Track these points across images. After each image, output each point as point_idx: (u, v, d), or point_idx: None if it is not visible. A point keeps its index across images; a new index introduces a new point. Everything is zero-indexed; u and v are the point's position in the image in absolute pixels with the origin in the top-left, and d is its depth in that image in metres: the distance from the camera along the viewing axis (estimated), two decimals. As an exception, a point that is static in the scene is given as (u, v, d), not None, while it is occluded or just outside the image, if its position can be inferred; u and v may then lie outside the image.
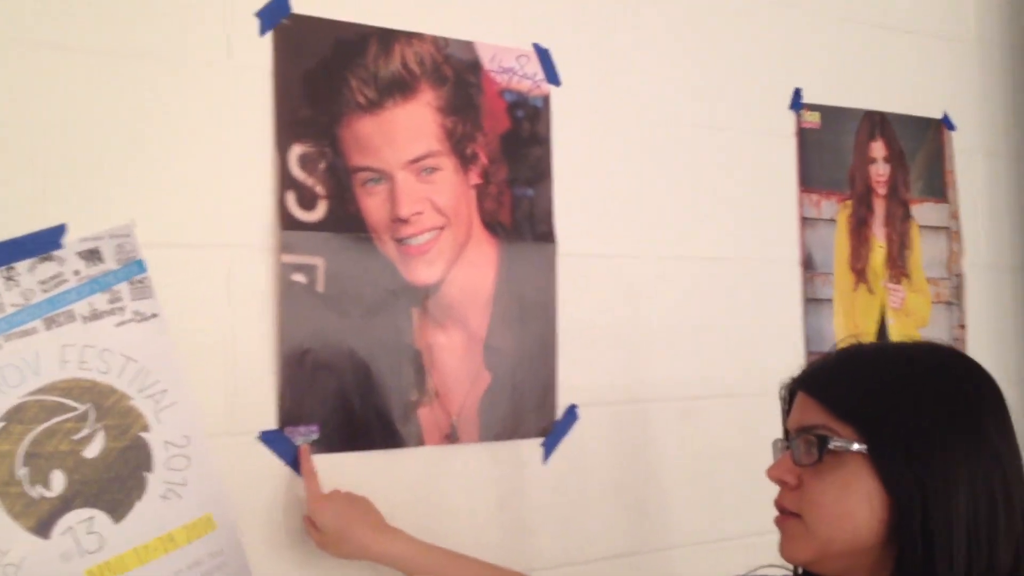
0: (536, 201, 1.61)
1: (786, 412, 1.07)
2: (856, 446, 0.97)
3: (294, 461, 1.37)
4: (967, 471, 0.95)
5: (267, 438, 1.36)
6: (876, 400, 0.99)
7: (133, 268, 1.27)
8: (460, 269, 1.53)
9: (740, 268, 1.85)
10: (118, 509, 1.24)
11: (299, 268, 1.39)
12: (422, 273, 1.50)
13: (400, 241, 1.48)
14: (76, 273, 1.23)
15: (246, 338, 1.35)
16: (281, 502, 1.37)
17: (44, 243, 1.21)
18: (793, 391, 1.06)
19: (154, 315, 1.28)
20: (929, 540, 0.93)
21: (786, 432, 1.06)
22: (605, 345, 1.67)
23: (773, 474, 1.03)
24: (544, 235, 1.61)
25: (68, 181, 1.24)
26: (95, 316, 1.24)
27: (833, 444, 0.97)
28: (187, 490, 1.29)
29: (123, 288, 1.26)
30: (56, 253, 1.22)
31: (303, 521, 1.36)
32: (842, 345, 1.09)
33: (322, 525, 1.32)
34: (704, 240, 1.80)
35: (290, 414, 1.38)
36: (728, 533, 1.80)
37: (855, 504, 0.97)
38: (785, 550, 1.03)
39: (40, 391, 1.20)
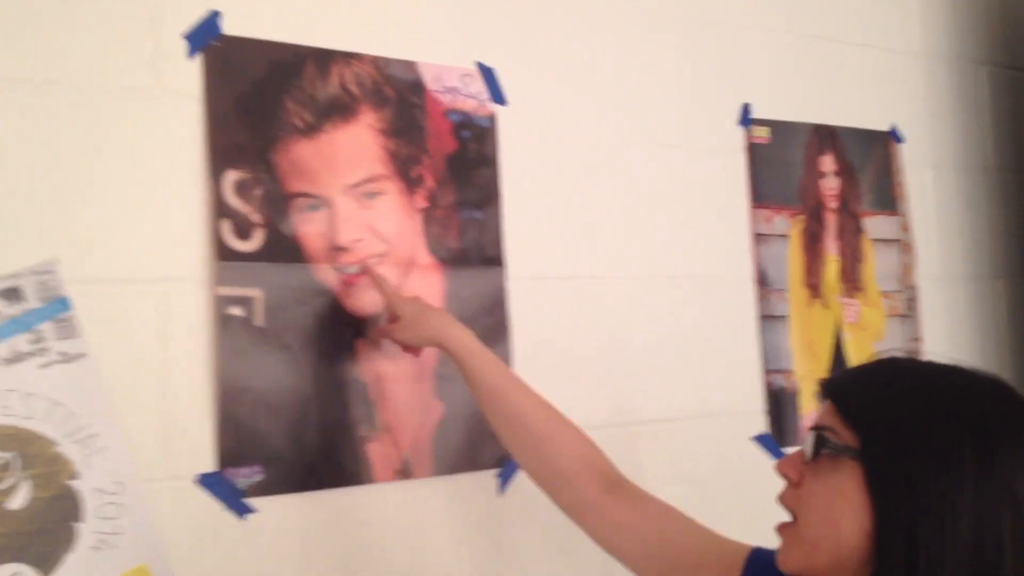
0: (484, 224, 1.56)
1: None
2: (850, 451, 0.93)
3: (235, 504, 1.30)
4: (971, 503, 0.88)
5: (206, 481, 1.29)
6: (881, 408, 0.94)
7: (57, 306, 1.19)
8: (406, 296, 1.47)
9: (694, 286, 1.81)
10: (46, 563, 1.16)
11: (236, 301, 1.32)
12: (364, 302, 1.44)
13: (340, 269, 1.41)
14: (-5, 313, 1.15)
15: (181, 376, 1.28)
16: (222, 549, 1.30)
17: (-42, 283, 1.13)
18: (823, 390, 1.03)
19: (81, 355, 1.20)
20: (913, 568, 0.87)
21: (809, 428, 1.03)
22: (560, 369, 1.62)
23: (779, 468, 1.00)
24: (493, 259, 1.56)
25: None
26: (17, 358, 1.16)
27: (829, 445, 0.94)
28: (120, 539, 1.21)
29: (47, 327, 1.18)
30: (-28, 293, 1.14)
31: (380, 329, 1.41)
32: (882, 356, 1.04)
33: (402, 311, 1.35)
34: (657, 259, 1.77)
35: (230, 455, 1.30)
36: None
37: (842, 512, 0.92)
38: (779, 557, 0.99)
39: (-42, 441, 1.12)
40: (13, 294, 1.17)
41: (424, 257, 1.50)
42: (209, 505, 1.29)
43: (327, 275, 1.40)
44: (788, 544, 0.98)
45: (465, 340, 1.33)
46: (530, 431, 1.29)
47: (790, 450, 1.88)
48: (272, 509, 1.32)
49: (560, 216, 1.65)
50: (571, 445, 1.29)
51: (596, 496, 1.26)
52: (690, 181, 1.82)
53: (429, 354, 1.48)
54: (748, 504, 1.81)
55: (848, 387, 1.00)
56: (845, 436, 0.94)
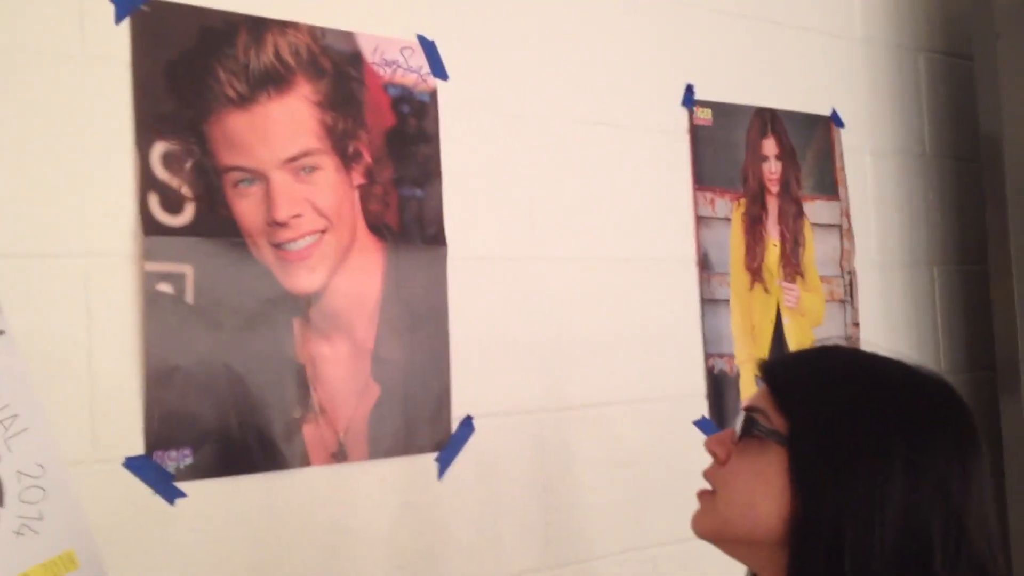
0: (425, 202, 1.52)
1: None
2: (777, 435, 0.93)
3: (164, 489, 1.25)
4: (901, 498, 0.88)
5: (133, 464, 1.24)
6: (815, 396, 0.94)
7: (-27, 280, 1.13)
8: (344, 275, 1.43)
9: (636, 268, 1.80)
10: (-39, 551, 1.11)
11: (165, 277, 1.27)
12: (303, 280, 1.40)
13: (278, 246, 1.37)
14: (-95, 287, 1.09)
15: (107, 355, 1.23)
16: (152, 534, 1.25)
17: None
18: (760, 372, 1.03)
19: (1, 332, 1.15)
20: (838, 558, 0.87)
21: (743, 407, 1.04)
22: (501, 352, 1.60)
23: (708, 444, 1.01)
24: (434, 238, 1.53)
25: None
26: (-71, 335, 1.10)
27: (758, 428, 0.94)
28: (44, 524, 1.16)
29: (-38, 303, 1.12)
30: None
31: None
32: (826, 343, 1.06)
33: None
34: (599, 240, 1.75)
35: (159, 437, 1.26)
36: (644, 541, 1.75)
37: (760, 492, 0.93)
38: (693, 521, 1.01)
39: None
40: (-74, 267, 1.11)
41: (364, 235, 1.46)
42: (138, 489, 1.24)
43: (264, 252, 1.36)
44: (702, 511, 1.00)
45: None
46: None
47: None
48: (203, 493, 1.28)
49: (501, 195, 1.63)
50: None
51: None
52: (633, 161, 1.81)
53: (366, 336, 1.45)
54: (687, 487, 1.80)
55: (784, 372, 1.00)
56: (775, 420, 0.94)
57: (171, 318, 1.28)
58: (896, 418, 0.91)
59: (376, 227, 1.47)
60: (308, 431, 1.39)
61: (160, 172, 1.28)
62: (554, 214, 1.69)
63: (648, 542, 1.76)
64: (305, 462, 1.38)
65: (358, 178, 1.45)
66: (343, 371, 1.43)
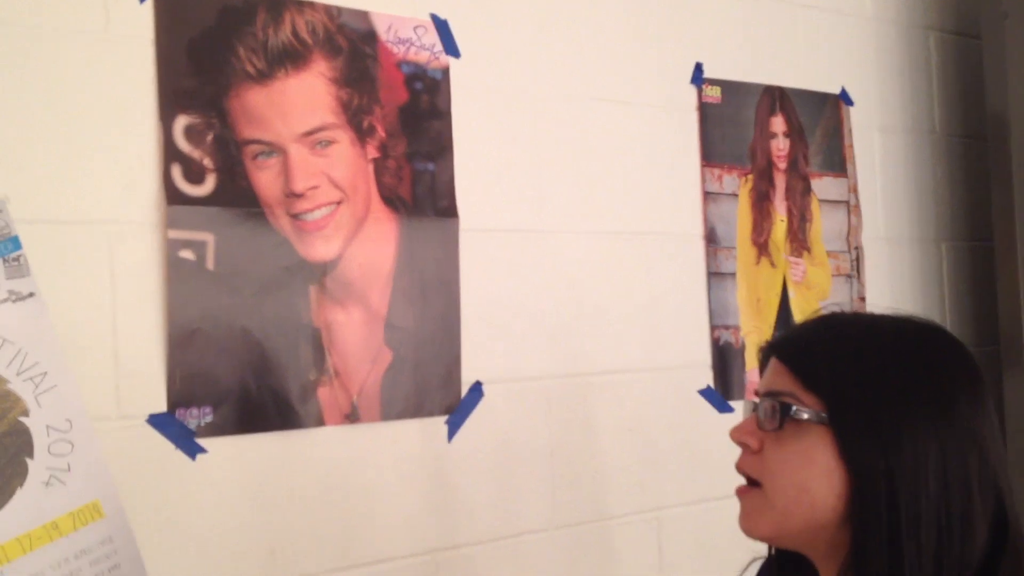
0: (437, 175, 1.58)
1: (762, 374, 1.04)
2: (818, 417, 0.93)
3: (185, 445, 1.32)
4: (939, 450, 0.90)
5: (156, 421, 1.31)
6: (843, 371, 0.94)
7: (7, 245, 1.20)
8: (358, 245, 1.49)
9: (644, 242, 1.84)
10: (-3, 498, 1.18)
11: (187, 244, 1.34)
12: (319, 249, 1.46)
13: (295, 216, 1.43)
14: (-56, 251, 1.16)
15: (131, 317, 1.30)
16: (173, 487, 1.32)
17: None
18: (768, 354, 1.03)
19: (31, 294, 1.22)
20: (895, 525, 0.89)
21: (756, 394, 1.02)
22: (511, 321, 1.66)
23: (736, 436, 1.00)
24: (446, 210, 1.59)
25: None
26: (-34, 296, 1.17)
27: (795, 413, 0.94)
28: (71, 476, 1.23)
29: (-4, 266, 1.19)
30: (-80, 230, 1.15)
31: None
32: (822, 313, 1.05)
33: None
34: (607, 215, 1.80)
35: (181, 396, 1.33)
36: (650, 504, 1.81)
37: (814, 478, 0.93)
38: (745, 524, 0.99)
39: (-94, 376, 1.13)
40: (-37, 232, 1.18)
41: (378, 206, 1.52)
42: (160, 444, 1.31)
43: (281, 222, 1.42)
44: (755, 510, 0.98)
45: None
46: None
47: (735, 404, 1.93)
48: (222, 449, 1.35)
49: (512, 170, 1.68)
50: None
51: None
52: (642, 138, 1.85)
53: (380, 303, 1.51)
54: (692, 453, 1.86)
55: (800, 350, 0.99)
56: (809, 402, 0.94)
57: (192, 283, 1.34)
58: (919, 375, 0.93)
59: (390, 199, 1.53)
60: (323, 393, 1.45)
61: (182, 144, 1.34)
62: (563, 189, 1.74)
63: (654, 504, 1.82)
64: (320, 422, 1.45)
65: (372, 152, 1.51)
66: (357, 336, 1.49)
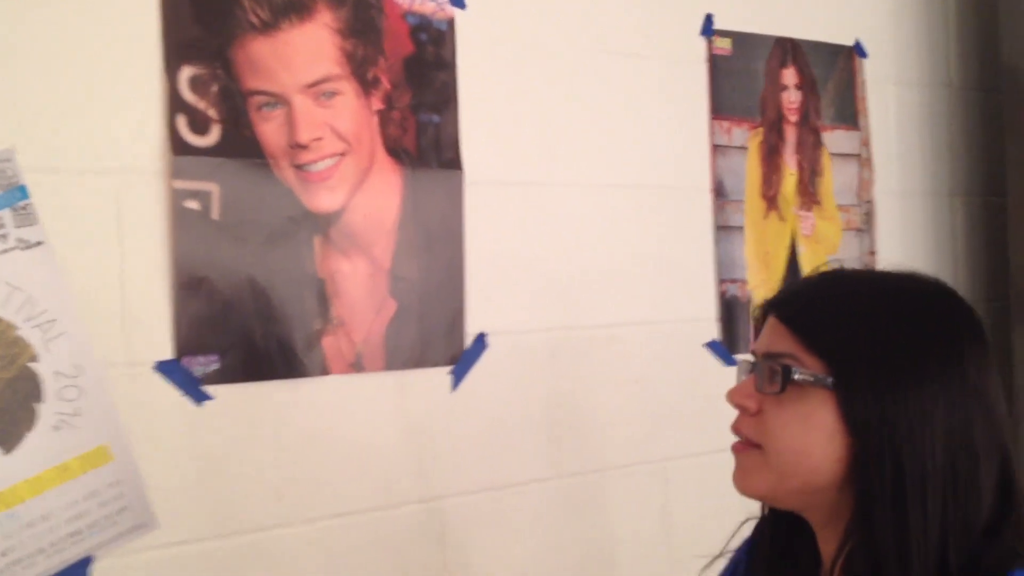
0: (442, 127, 1.59)
1: (758, 332, 1.02)
2: (821, 379, 0.91)
3: (192, 391, 1.35)
4: (945, 413, 0.89)
5: (164, 368, 1.33)
6: (846, 332, 0.92)
7: (15, 194, 1.22)
8: (363, 196, 1.51)
9: (651, 195, 1.85)
10: (8, 440, 1.21)
11: (192, 194, 1.36)
12: (323, 200, 1.47)
13: (300, 167, 1.45)
14: (-49, 200, 1.18)
15: (138, 266, 1.32)
16: (179, 433, 1.35)
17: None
18: (766, 312, 1.00)
19: (39, 243, 1.24)
20: (900, 490, 0.88)
21: (753, 354, 0.99)
22: (516, 273, 1.67)
23: (734, 399, 0.98)
24: (450, 162, 1.59)
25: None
26: (-25, 244, 1.19)
27: (797, 375, 0.92)
28: (80, 420, 1.26)
29: (5, 215, 1.21)
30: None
31: None
32: (823, 270, 1.02)
33: None
34: (614, 167, 1.80)
35: (187, 344, 1.35)
36: (654, 455, 1.83)
37: (815, 441, 0.91)
38: (740, 481, 0.98)
39: (-82, 321, 1.16)
40: (-29, 181, 1.20)
41: (382, 158, 1.53)
42: (167, 391, 1.34)
43: (286, 172, 1.43)
44: (752, 470, 0.97)
45: None
46: None
47: (740, 358, 1.94)
48: (228, 397, 1.38)
49: (518, 122, 1.68)
50: None
51: None
52: (650, 90, 1.85)
53: (384, 254, 1.52)
54: (697, 406, 1.88)
55: (802, 310, 0.97)
56: (811, 364, 0.92)
57: (198, 233, 1.36)
58: (925, 335, 0.91)
59: (394, 151, 1.54)
60: (327, 342, 1.47)
61: (187, 95, 1.35)
62: (570, 141, 1.74)
63: (658, 456, 1.84)
64: (325, 371, 1.47)
65: (377, 103, 1.52)
66: (361, 287, 1.51)
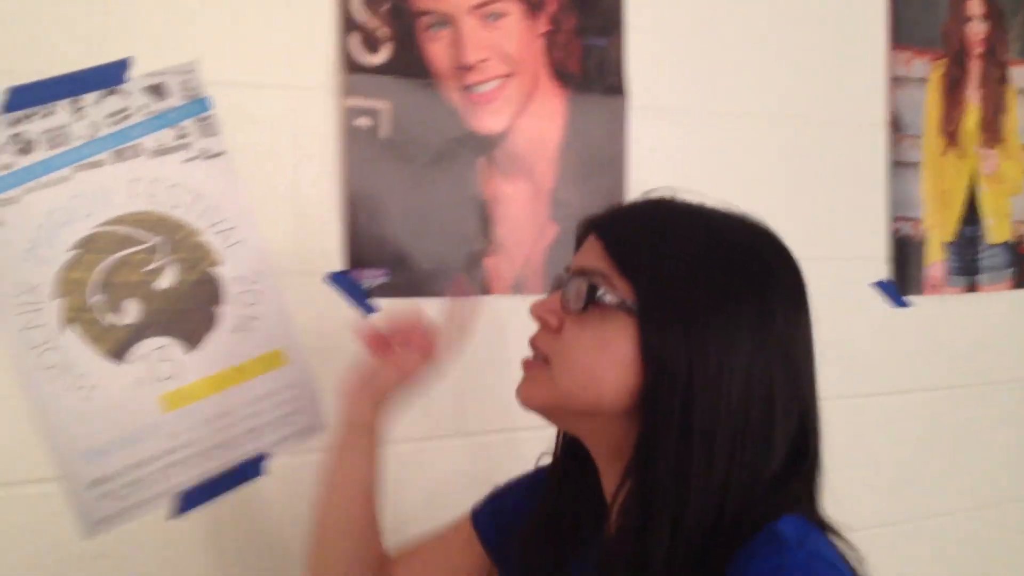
0: (607, 51, 1.57)
1: (578, 248, 0.98)
2: (625, 305, 0.87)
3: (361, 302, 1.39)
4: (747, 361, 0.85)
5: (335, 279, 1.38)
6: (659, 259, 0.88)
7: (199, 105, 1.28)
8: (527, 119, 1.51)
9: (823, 127, 1.78)
10: (190, 339, 1.28)
11: (363, 112, 1.39)
12: (488, 122, 1.49)
13: (465, 88, 1.46)
14: (142, 108, 1.25)
15: (311, 180, 1.37)
16: (345, 342, 1.39)
17: (108, 77, 1.23)
18: (588, 229, 0.96)
19: (221, 153, 1.30)
20: (688, 427, 0.84)
21: (566, 270, 0.96)
22: (676, 201, 1.64)
23: (537, 311, 0.95)
24: (614, 87, 1.58)
25: (130, 16, 1.25)
26: (163, 151, 1.26)
27: (601, 295, 0.89)
28: (258, 324, 1.32)
29: (189, 125, 1.28)
30: (121, 87, 1.24)
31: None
32: (654, 195, 0.97)
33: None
34: (785, 97, 1.75)
35: (356, 257, 1.39)
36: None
37: (607, 366, 0.88)
38: (522, 392, 0.95)
39: (111, 222, 1.24)
40: (159, 91, 1.26)
41: (546, 81, 1.53)
42: (335, 301, 1.39)
43: (452, 93, 1.45)
44: (535, 383, 0.94)
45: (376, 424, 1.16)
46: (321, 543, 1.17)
47: (912, 299, 1.86)
48: (394, 309, 1.41)
49: (684, 48, 1.65)
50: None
51: None
52: (826, 17, 1.78)
53: (546, 177, 1.53)
54: (859, 345, 1.82)
55: (621, 231, 0.93)
56: (620, 287, 0.88)
57: (367, 150, 1.40)
58: (741, 278, 0.88)
59: (558, 74, 1.53)
60: (489, 263, 1.49)
61: (360, 14, 1.39)
62: (737, 70, 1.70)
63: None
64: (485, 291, 1.49)
65: (543, 26, 1.52)
66: (523, 210, 1.52)
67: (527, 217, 1.52)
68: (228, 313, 1.30)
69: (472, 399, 1.48)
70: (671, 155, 1.64)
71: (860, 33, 1.83)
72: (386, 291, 1.41)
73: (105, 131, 1.22)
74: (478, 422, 1.50)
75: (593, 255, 0.92)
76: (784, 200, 1.75)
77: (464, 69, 1.46)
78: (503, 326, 1.51)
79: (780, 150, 1.74)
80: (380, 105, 1.40)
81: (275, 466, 1.34)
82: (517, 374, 1.49)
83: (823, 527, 0.88)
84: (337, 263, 1.39)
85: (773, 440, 0.86)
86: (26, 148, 1.18)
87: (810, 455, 0.90)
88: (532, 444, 1.48)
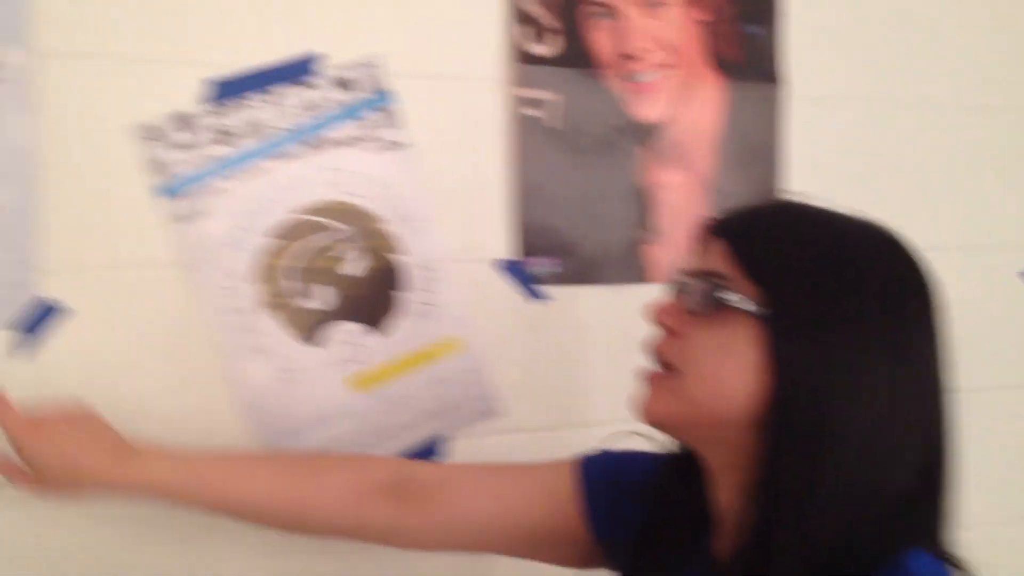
0: (767, 40, 1.58)
1: (695, 251, 0.95)
2: (755, 307, 0.84)
3: (532, 290, 1.42)
4: (874, 371, 0.82)
5: (508, 267, 1.41)
6: (790, 264, 0.85)
7: (384, 97, 1.32)
8: (686, 108, 1.52)
9: (980, 113, 1.75)
10: (375, 323, 1.32)
11: (531, 102, 1.42)
12: (649, 111, 1.50)
13: (628, 78, 1.48)
14: (330, 101, 1.29)
15: (483, 169, 1.39)
16: (520, 329, 1.42)
17: (298, 71, 1.27)
18: (707, 232, 0.93)
19: (404, 144, 1.33)
20: (816, 438, 0.81)
21: (685, 272, 0.92)
22: (833, 190, 1.63)
23: (658, 316, 0.91)
24: (773, 75, 1.58)
25: (315, 10, 1.29)
26: (351, 142, 1.30)
27: (728, 298, 0.85)
28: (437, 312, 1.36)
29: (375, 116, 1.31)
30: (310, 80, 1.28)
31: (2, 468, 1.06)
32: (777, 198, 0.95)
33: (33, 460, 1.02)
34: (959, 86, 1.72)
35: (529, 246, 1.42)
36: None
37: (734, 370, 0.84)
38: (649, 406, 0.90)
39: (304, 211, 1.28)
40: (345, 84, 1.30)
41: (706, 70, 1.54)
42: (506, 290, 1.41)
43: (614, 82, 1.47)
44: (662, 394, 0.90)
45: (146, 478, 1.04)
46: (279, 514, 1.11)
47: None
48: (564, 298, 1.44)
49: (845, 35, 1.64)
50: (330, 493, 1.11)
51: (392, 516, 1.11)
52: (996, 10, 1.76)
53: (703, 166, 1.54)
54: (1007, 340, 1.79)
55: (748, 233, 0.89)
56: (747, 291, 0.85)
57: (535, 140, 1.42)
58: (872, 287, 0.84)
59: (718, 63, 1.54)
60: (648, 252, 1.51)
61: (529, 5, 1.41)
62: (899, 57, 1.68)
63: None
64: (643, 279, 1.51)
65: (703, 14, 1.53)
66: (681, 198, 1.53)
67: (685, 206, 1.54)
68: (411, 299, 1.34)
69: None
70: (830, 144, 1.63)
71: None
72: (558, 279, 1.44)
73: (297, 123, 1.27)
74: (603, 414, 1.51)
75: (717, 258, 0.89)
76: (935, 186, 1.72)
77: (627, 58, 1.48)
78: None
79: (942, 137, 1.72)
80: (547, 95, 1.43)
81: (454, 448, 1.38)
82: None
83: (953, 564, 0.85)
84: (510, 252, 1.41)
85: (901, 463, 0.83)
86: (227, 140, 1.23)
87: (940, 482, 0.87)
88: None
